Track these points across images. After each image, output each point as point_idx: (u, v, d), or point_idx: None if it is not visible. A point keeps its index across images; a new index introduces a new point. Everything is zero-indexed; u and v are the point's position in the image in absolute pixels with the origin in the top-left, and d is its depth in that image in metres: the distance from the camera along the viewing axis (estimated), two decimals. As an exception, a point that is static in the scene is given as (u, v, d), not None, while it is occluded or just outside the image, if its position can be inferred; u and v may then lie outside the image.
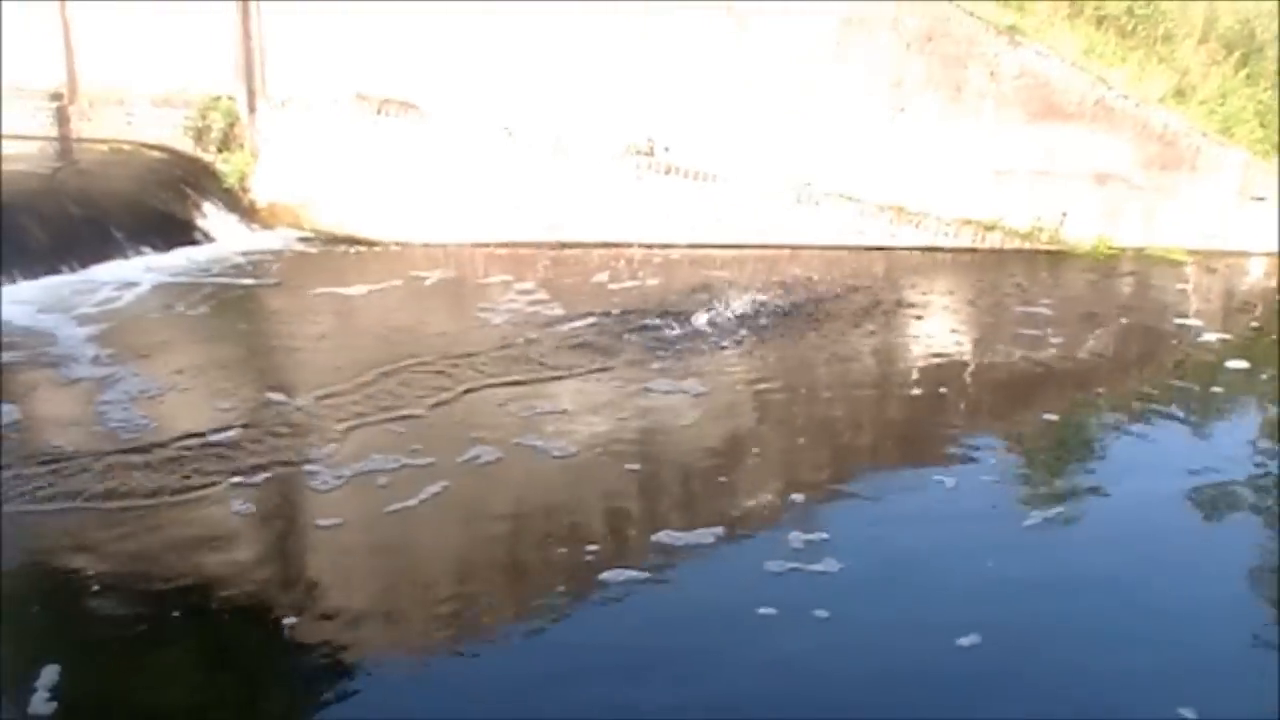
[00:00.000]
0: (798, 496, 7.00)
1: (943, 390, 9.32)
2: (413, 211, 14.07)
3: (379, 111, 14.05)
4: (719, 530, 6.47)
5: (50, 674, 4.81)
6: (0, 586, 5.72)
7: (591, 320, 10.72)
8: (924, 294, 12.28)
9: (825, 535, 6.41)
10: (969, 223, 14.14)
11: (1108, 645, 5.50)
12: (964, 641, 5.33)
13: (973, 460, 7.81)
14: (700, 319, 10.71)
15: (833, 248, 13.88)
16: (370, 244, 13.98)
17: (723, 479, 7.38)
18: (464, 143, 13.93)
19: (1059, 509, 7.02)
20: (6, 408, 8.02)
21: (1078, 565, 6.35)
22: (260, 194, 14.67)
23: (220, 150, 14.68)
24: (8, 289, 11.30)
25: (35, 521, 6.31)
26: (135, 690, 4.91)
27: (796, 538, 6.36)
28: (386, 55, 13.98)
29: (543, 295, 11.59)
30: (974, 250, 14.06)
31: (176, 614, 5.45)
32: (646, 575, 5.91)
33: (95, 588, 5.62)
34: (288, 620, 5.41)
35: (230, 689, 4.97)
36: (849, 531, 6.58)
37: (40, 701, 4.66)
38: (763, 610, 5.56)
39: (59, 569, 5.90)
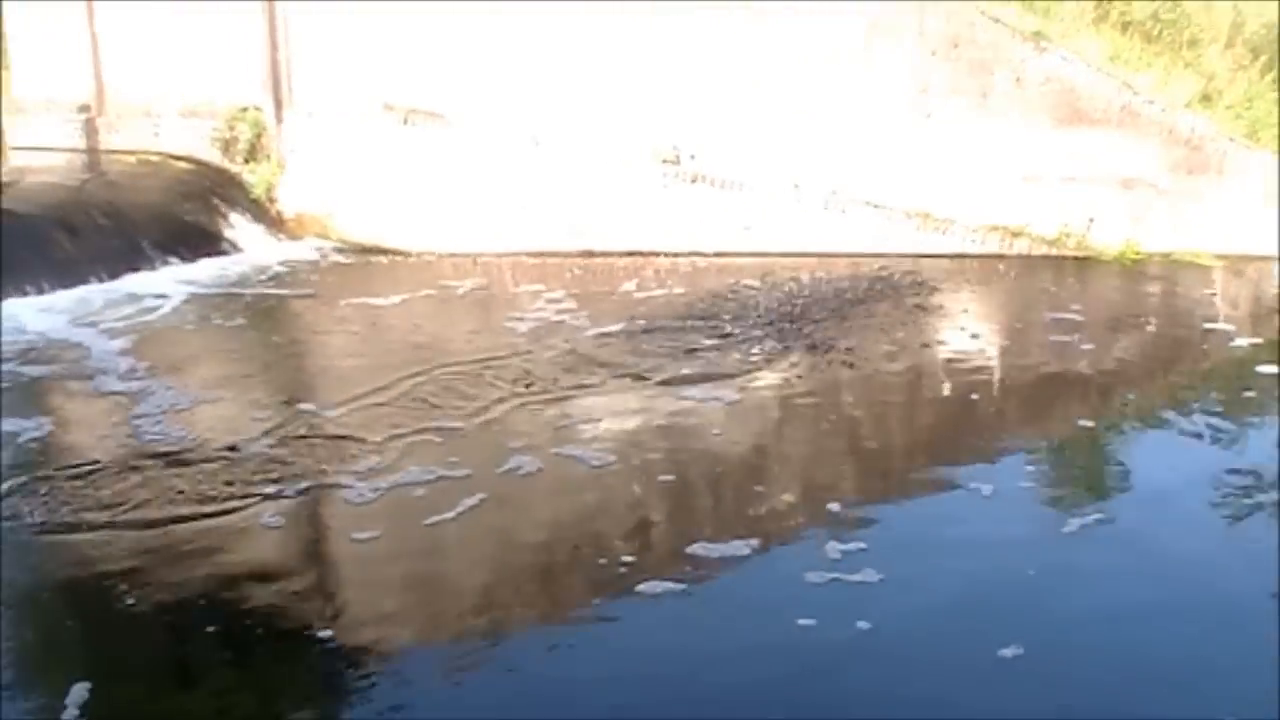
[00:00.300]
0: (834, 506, 6.93)
1: (974, 396, 9.24)
2: (439, 221, 14.04)
3: (405, 121, 14.04)
4: (755, 541, 6.39)
5: (80, 692, 4.78)
6: (33, 603, 5.71)
7: (622, 329, 10.67)
8: (953, 301, 12.20)
9: (863, 545, 6.34)
10: (996, 229, 14.04)
11: (1151, 654, 5.44)
12: (1006, 653, 5.27)
13: (1008, 466, 7.73)
14: (730, 327, 10.67)
15: (860, 255, 13.76)
16: (397, 254, 13.96)
17: (757, 488, 7.29)
18: (490, 152, 13.90)
19: (1096, 515, 6.92)
20: (39, 420, 8.04)
21: (1117, 572, 6.27)
22: (287, 204, 14.68)
23: (247, 161, 14.70)
24: (36, 299, 11.35)
25: (66, 536, 6.28)
26: (166, 707, 4.88)
27: (834, 547, 6.29)
28: (413, 65, 13.96)
29: (571, 304, 11.54)
30: (1001, 257, 13.95)
31: (210, 629, 5.41)
32: (683, 586, 5.85)
33: (127, 603, 5.57)
34: (323, 633, 5.36)
35: (263, 704, 4.93)
36: (886, 541, 6.51)
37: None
38: (803, 621, 5.50)
39: (90, 584, 5.86)
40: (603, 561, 6.15)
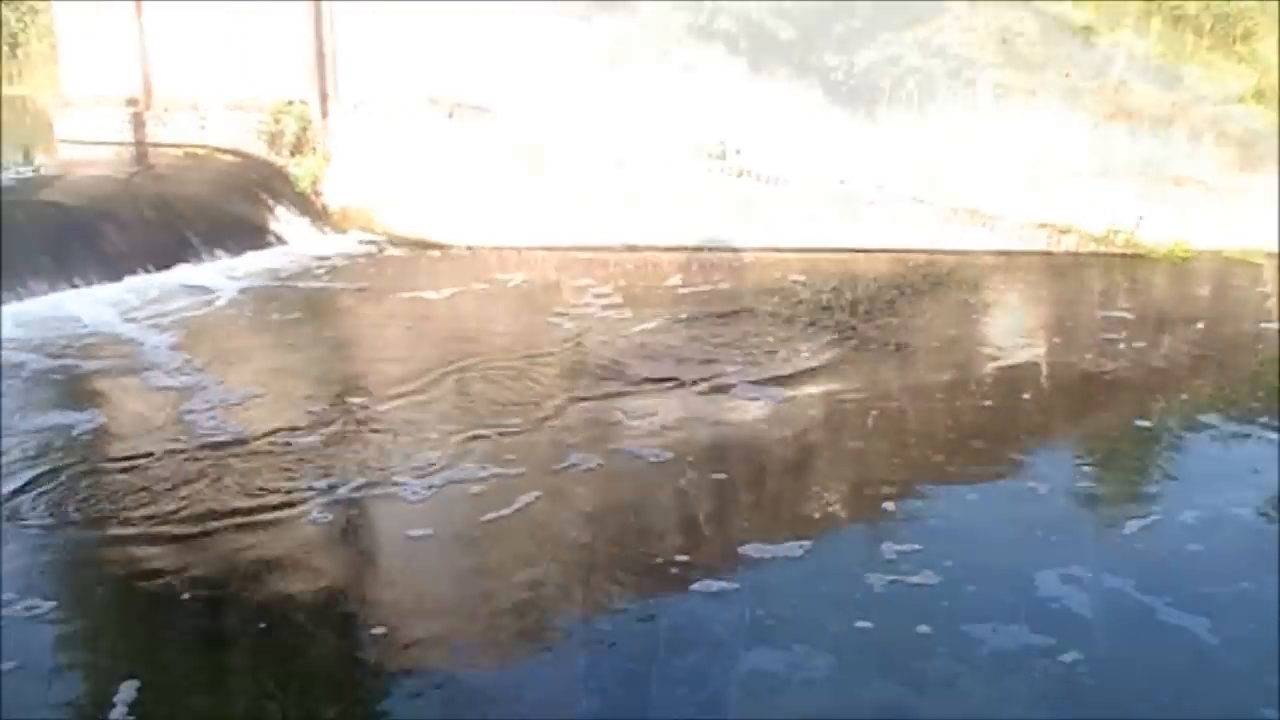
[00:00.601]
0: (888, 505, 6.85)
1: (1025, 395, 9.15)
2: (485, 215, 14.01)
3: (451, 115, 14.02)
4: (807, 542, 6.31)
5: (129, 690, 4.74)
6: (82, 598, 5.69)
7: (669, 325, 10.63)
8: (1001, 298, 12.10)
9: (918, 546, 6.25)
10: (1043, 226, 13.90)
11: (1212, 659, 5.33)
12: (1066, 658, 5.18)
13: (1063, 466, 7.63)
14: (777, 323, 10.60)
15: (905, 251, 13.69)
16: (442, 248, 13.95)
17: (809, 486, 7.23)
18: (535, 146, 13.87)
19: (1155, 518, 6.79)
20: (90, 413, 8.05)
21: (1175, 575, 6.15)
22: (332, 197, 14.69)
23: (293, 154, 14.72)
24: (86, 291, 11.39)
25: (116, 531, 6.26)
26: (214, 704, 4.84)
27: (889, 548, 6.20)
28: (459, 59, 13.94)
29: (619, 299, 11.48)
30: (1048, 254, 13.82)
31: (260, 625, 5.36)
32: (738, 586, 5.79)
33: (177, 601, 5.54)
34: (375, 630, 5.32)
35: (311, 702, 4.88)
36: (942, 541, 6.41)
37: (119, 717, 4.60)
38: (861, 624, 5.43)
39: (141, 582, 5.83)
40: (658, 560, 6.07)
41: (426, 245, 13.99)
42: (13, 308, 10.57)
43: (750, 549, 6.14)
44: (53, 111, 15.79)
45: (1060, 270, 13.37)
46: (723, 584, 5.72)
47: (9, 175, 14.28)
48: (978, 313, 11.50)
